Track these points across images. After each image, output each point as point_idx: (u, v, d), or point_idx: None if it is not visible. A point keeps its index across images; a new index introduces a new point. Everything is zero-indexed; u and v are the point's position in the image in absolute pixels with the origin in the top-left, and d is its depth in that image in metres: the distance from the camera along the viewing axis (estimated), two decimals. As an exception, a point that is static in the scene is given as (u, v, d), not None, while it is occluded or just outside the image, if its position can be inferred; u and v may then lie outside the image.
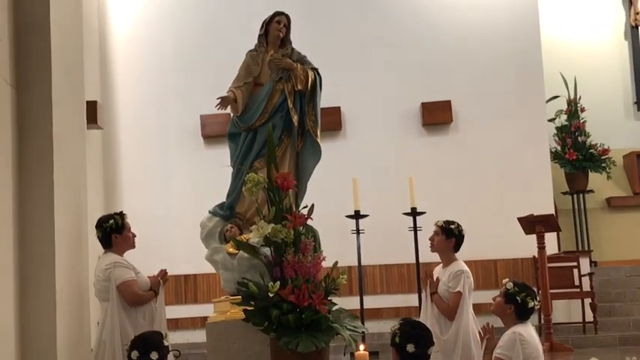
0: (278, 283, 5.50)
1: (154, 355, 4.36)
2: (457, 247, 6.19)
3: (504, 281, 5.30)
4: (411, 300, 9.77)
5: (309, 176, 6.69)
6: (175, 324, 9.81)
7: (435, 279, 6.17)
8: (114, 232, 5.92)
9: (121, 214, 6.02)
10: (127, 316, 5.75)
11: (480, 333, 5.50)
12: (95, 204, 9.15)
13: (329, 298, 5.69)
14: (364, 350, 5.37)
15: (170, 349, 4.57)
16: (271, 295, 5.47)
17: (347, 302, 6.33)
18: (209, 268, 6.95)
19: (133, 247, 6.05)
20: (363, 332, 5.86)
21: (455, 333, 5.94)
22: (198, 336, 9.74)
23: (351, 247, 9.11)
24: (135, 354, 4.38)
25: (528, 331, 5.13)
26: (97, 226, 6.00)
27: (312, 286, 5.54)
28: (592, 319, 9.56)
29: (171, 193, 10.65)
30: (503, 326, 5.23)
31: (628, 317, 10.01)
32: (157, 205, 10.53)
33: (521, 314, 5.15)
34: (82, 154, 6.35)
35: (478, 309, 6.45)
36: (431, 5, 10.98)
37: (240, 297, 5.74)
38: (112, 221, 5.94)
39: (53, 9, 5.55)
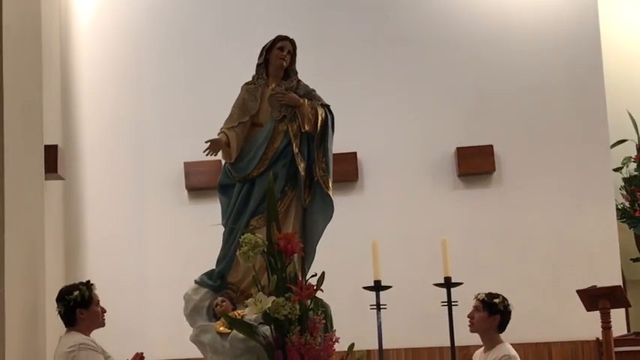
0: (280, 370, 5.51)
1: None
2: (502, 326, 6.21)
3: (561, 369, 5.31)
4: (446, 393, 9.74)
5: (319, 238, 6.73)
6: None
7: (474, 366, 6.18)
8: (79, 306, 5.97)
9: (88, 285, 6.07)
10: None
11: None
12: (55, 271, 9.18)
13: (343, 390, 5.70)
14: None
15: None
16: (272, 384, 5.48)
17: (366, 398, 6.32)
18: (194, 352, 6.94)
19: (102, 325, 6.09)
20: None
21: None
22: None
23: (370, 326, 9.07)
24: None
25: None
26: (58, 299, 6.04)
27: (323, 375, 5.55)
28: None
29: (148, 258, 10.66)
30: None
31: None
32: (131, 273, 10.53)
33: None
34: (39, 210, 6.41)
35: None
36: (469, 31, 11.06)
37: (232, 388, 5.75)
38: (76, 293, 5.98)
39: (7, 37, 5.65)
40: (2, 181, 5.58)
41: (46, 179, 7.53)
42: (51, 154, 9.08)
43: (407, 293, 9.96)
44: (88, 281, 6.15)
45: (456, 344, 8.84)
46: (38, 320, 6.12)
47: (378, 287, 9.07)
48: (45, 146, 6.96)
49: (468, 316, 6.30)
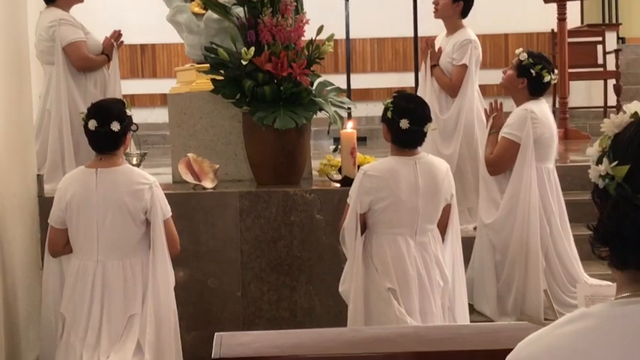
0: (252, 49, 5.50)
1: (115, 126, 4.37)
2: (465, 11, 6.18)
3: (517, 51, 5.34)
4: (407, 80, 9.81)
5: None
6: (131, 100, 9.78)
7: (437, 49, 6.20)
8: (55, -20, 5.88)
9: (61, -41, 5.95)
10: (76, 83, 5.82)
11: (485, 111, 5.59)
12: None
13: (312, 69, 5.71)
14: (352, 129, 5.42)
15: (133, 120, 4.61)
16: (244, 62, 5.48)
17: (332, 81, 6.35)
18: (170, 37, 6.89)
19: (81, 0, 6.01)
20: (349, 109, 5.94)
21: (457, 111, 6.05)
22: (158, 115, 9.86)
23: (337, 17, 9.02)
24: (93, 123, 4.39)
25: (542, 108, 5.23)
26: (35, -24, 5.94)
27: (293, 54, 5.55)
28: (615, 104, 9.65)
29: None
30: (514, 105, 5.32)
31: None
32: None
33: (535, 89, 5.23)
34: None
35: (484, 91, 6.53)
36: None
37: (207, 65, 5.76)
38: (51, -34, 5.87)
39: None
40: None
41: None
42: None
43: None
44: (60, -45, 6.01)
45: (419, 35, 8.86)
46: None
47: (346, -23, 8.94)
48: None
49: (433, 3, 6.25)
